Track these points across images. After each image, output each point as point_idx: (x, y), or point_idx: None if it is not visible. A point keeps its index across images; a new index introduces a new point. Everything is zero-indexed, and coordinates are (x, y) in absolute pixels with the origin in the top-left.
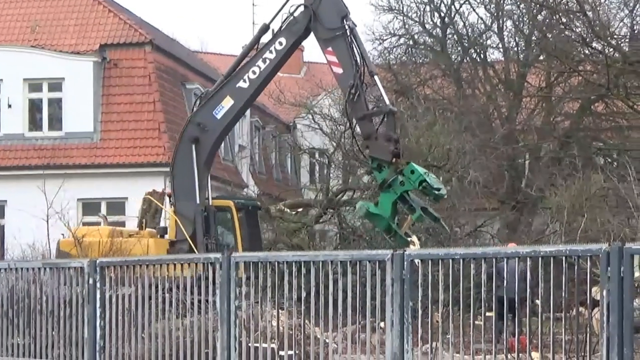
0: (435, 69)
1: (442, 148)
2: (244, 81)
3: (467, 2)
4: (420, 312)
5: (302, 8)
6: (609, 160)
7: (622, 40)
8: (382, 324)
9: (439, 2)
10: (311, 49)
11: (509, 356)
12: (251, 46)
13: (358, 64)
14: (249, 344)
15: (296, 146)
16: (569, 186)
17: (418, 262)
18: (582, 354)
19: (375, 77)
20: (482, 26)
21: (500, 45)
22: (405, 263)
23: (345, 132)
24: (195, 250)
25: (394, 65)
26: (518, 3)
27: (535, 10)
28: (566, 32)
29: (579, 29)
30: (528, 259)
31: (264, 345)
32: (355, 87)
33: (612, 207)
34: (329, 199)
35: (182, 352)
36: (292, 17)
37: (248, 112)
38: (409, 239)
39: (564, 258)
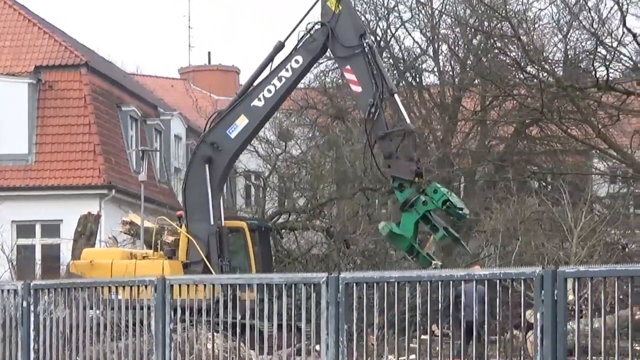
0: None
1: (378, 171)
2: (259, 100)
3: (402, 26)
4: (355, 335)
5: (318, 25)
6: (544, 184)
7: (556, 65)
8: (317, 347)
9: (375, 26)
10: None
11: None
12: (265, 64)
13: (377, 83)
14: None
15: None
16: (504, 210)
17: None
18: None
19: (395, 96)
20: (418, 50)
21: (435, 69)
22: (340, 286)
23: (280, 155)
24: (212, 271)
25: (330, 88)
26: (453, 27)
27: (470, 35)
28: (501, 57)
29: (514, 54)
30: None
31: None
32: (375, 106)
33: (546, 230)
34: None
35: None
36: (309, 35)
37: (184, 134)
38: (433, 262)
39: (498, 281)
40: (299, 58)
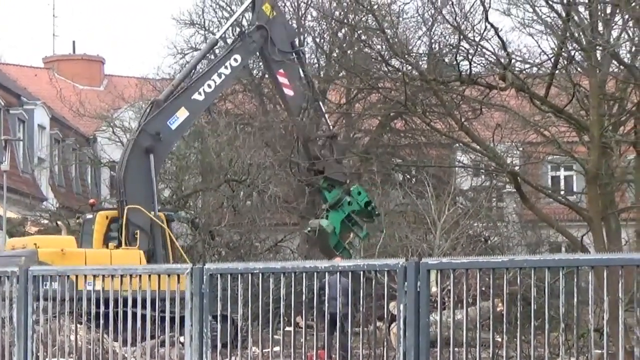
0: (236, 84)
1: (243, 163)
2: (200, 94)
3: None
4: (219, 326)
5: (245, 25)
6: (408, 176)
7: (420, 58)
8: (181, 339)
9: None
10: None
11: None
12: (201, 58)
13: (307, 87)
14: (47, 359)
15: (96, 159)
16: None
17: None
18: None
19: (320, 102)
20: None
21: None
22: (204, 277)
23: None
24: (154, 261)
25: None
26: (319, 20)
27: (335, 28)
28: (366, 50)
29: (378, 47)
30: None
31: (62, 359)
32: (306, 110)
33: (410, 222)
34: None
35: None
36: (247, 37)
37: (47, 124)
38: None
39: (362, 273)
40: (238, 57)
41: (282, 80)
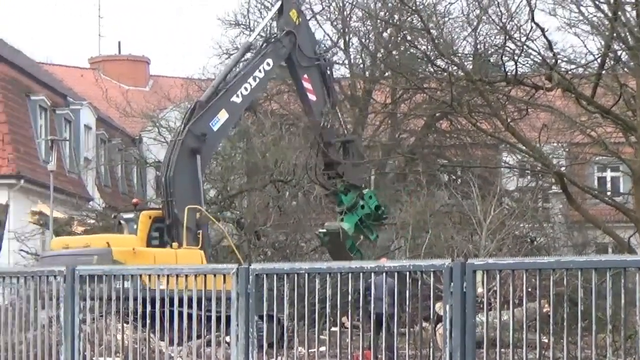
0: (281, 84)
1: (289, 163)
2: (237, 96)
3: (313, 18)
4: (265, 326)
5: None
6: (453, 177)
7: (466, 58)
8: (227, 338)
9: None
10: (157, 62)
11: None
12: (237, 61)
13: (329, 93)
14: (93, 358)
15: (142, 159)
16: (414, 202)
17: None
18: None
19: (337, 108)
20: (329, 42)
21: (346, 62)
22: (250, 277)
23: None
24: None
25: None
26: (364, 20)
27: (380, 28)
28: (411, 50)
29: (424, 47)
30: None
31: (109, 359)
32: (327, 114)
33: (456, 223)
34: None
35: None
36: (278, 41)
37: (94, 125)
38: None
39: (408, 273)
40: (270, 61)
41: (307, 85)
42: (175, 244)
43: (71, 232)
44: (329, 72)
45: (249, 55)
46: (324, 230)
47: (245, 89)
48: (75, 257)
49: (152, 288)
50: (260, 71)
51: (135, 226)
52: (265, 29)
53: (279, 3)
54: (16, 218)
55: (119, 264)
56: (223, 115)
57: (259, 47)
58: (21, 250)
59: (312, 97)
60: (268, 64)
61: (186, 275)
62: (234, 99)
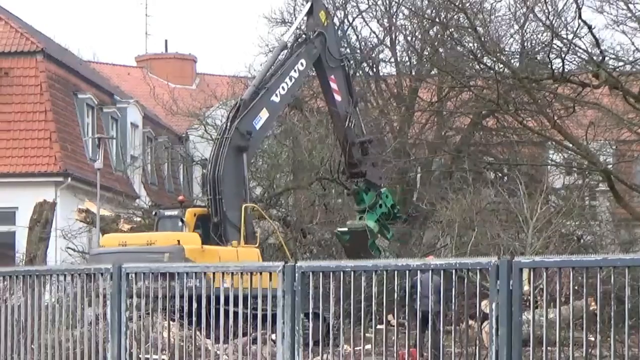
0: None
1: (334, 161)
2: (276, 96)
3: (360, 16)
4: (311, 324)
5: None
6: (499, 174)
7: (512, 56)
8: (273, 336)
9: (332, 15)
10: (204, 60)
11: None
12: (273, 61)
13: (351, 94)
14: (140, 355)
15: (188, 157)
16: (460, 200)
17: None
18: None
19: (357, 108)
20: (375, 40)
21: (392, 60)
22: (296, 275)
23: None
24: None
25: None
26: (410, 18)
27: (427, 26)
28: (457, 48)
29: (470, 45)
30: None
31: (155, 356)
32: (351, 115)
33: (502, 221)
34: None
35: None
36: (310, 41)
37: (140, 123)
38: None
39: (454, 271)
40: (303, 62)
41: (333, 86)
42: (234, 242)
43: (117, 230)
44: (352, 72)
45: (282, 54)
46: (345, 229)
47: (283, 88)
48: (141, 254)
49: (216, 286)
50: (295, 71)
51: (180, 223)
52: (296, 30)
53: (309, 4)
54: (63, 216)
55: (189, 262)
56: (264, 114)
57: (291, 46)
58: (68, 247)
59: (337, 97)
60: (302, 64)
61: (232, 273)
62: (273, 98)
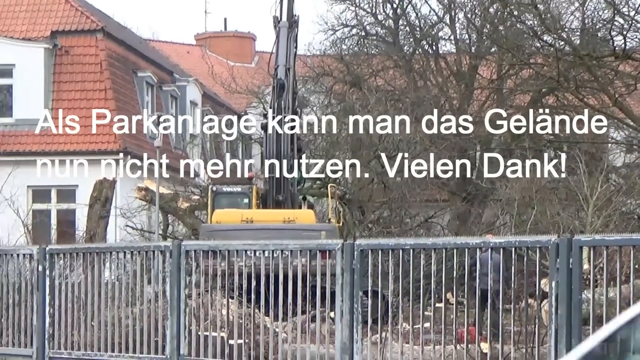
0: (387, 60)
1: (393, 139)
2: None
3: None
4: (369, 302)
5: None
6: (560, 153)
7: (573, 33)
8: (332, 314)
9: None
10: (263, 38)
11: (457, 347)
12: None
13: None
14: (199, 333)
15: (247, 135)
16: (519, 178)
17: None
18: (531, 345)
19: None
20: (434, 18)
21: (452, 37)
22: (355, 253)
23: None
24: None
25: (346, 56)
26: None
27: (487, 3)
28: (517, 25)
29: (530, 22)
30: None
31: (214, 333)
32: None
33: (562, 199)
34: None
35: (131, 340)
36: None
37: (199, 101)
38: None
39: (513, 249)
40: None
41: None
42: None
43: (177, 208)
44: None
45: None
46: None
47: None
48: (293, 231)
49: (257, 264)
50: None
51: (246, 200)
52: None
53: None
54: (122, 194)
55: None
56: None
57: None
58: (127, 226)
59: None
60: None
61: (291, 251)
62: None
